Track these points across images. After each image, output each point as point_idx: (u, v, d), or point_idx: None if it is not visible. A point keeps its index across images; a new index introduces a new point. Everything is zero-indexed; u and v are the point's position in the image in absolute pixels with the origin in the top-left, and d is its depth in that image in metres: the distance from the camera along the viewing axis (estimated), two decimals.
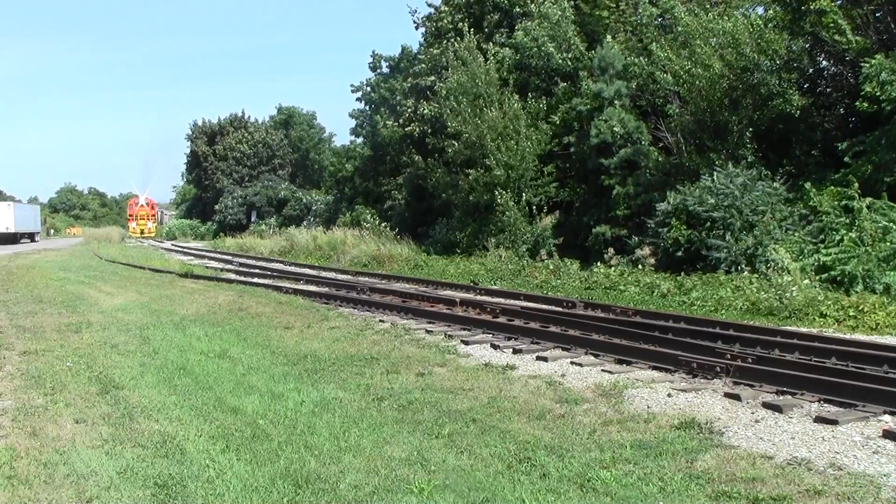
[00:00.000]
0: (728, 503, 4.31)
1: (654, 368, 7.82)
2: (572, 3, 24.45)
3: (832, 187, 15.11)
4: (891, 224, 13.68)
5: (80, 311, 13.03)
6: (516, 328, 10.11)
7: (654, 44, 20.33)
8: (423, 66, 30.73)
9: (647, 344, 8.67)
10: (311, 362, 8.22)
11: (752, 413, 6.13)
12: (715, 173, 16.69)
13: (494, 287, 16.60)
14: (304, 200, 52.82)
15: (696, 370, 7.48)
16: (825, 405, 6.29)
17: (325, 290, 16.33)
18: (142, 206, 76.00)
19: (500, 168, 22.75)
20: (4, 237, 50.33)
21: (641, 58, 20.90)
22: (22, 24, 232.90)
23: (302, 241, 33.87)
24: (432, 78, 28.74)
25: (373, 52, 52.42)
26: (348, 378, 7.48)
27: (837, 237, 13.69)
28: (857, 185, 14.37)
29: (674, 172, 19.34)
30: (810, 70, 18.54)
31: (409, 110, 30.60)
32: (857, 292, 12.31)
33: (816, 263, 13.42)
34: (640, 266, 17.40)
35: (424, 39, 31.93)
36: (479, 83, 23.90)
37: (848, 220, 14.02)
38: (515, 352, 8.91)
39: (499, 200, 22.33)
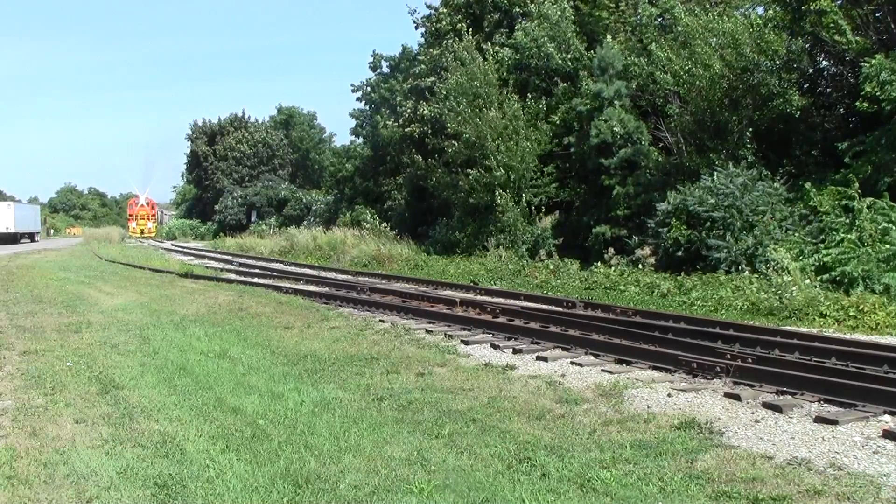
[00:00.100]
0: (728, 503, 4.31)
1: (654, 368, 7.82)
2: (572, 3, 24.45)
3: (832, 187, 15.11)
4: (891, 224, 13.68)
5: (80, 311, 13.03)
6: (516, 328, 10.11)
7: (653, 44, 20.34)
8: (423, 66, 30.74)
9: (647, 344, 8.67)
10: (311, 362, 8.22)
11: (752, 413, 6.13)
12: (715, 173, 16.70)
13: (494, 287, 16.60)
14: (304, 200, 52.83)
15: (696, 370, 7.48)
16: (825, 405, 6.29)
17: (325, 290, 16.33)
18: (142, 206, 75.97)
19: (499, 168, 22.75)
20: (4, 237, 50.33)
21: (641, 58, 20.91)
22: (22, 24, 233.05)
23: (302, 241, 33.88)
24: (432, 79, 28.75)
25: (373, 51, 52.46)
26: (348, 378, 7.48)
27: (838, 237, 13.69)
28: (857, 185, 14.37)
29: (674, 172, 19.35)
30: (810, 70, 18.54)
31: (409, 111, 30.60)
32: (856, 293, 12.31)
33: (816, 264, 13.42)
34: (640, 266, 17.41)
35: (424, 40, 31.95)
36: (479, 84, 23.91)
37: (848, 221, 14.02)
38: (515, 352, 8.91)
39: (499, 201, 22.33)
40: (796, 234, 14.78)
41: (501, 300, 13.90)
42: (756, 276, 13.83)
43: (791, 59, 17.90)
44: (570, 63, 23.69)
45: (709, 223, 15.99)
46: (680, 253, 16.46)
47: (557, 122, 23.48)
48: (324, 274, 21.76)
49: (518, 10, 27.02)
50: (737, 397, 6.57)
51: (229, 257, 32.95)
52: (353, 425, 5.81)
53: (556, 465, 4.89)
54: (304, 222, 45.90)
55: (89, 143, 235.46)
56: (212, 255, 35.74)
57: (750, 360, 7.59)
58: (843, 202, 14.46)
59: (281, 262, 28.48)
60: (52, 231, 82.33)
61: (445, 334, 10.23)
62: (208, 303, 13.76)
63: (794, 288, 12.01)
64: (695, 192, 16.65)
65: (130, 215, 76.72)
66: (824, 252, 13.51)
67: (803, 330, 10.18)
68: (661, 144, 20.72)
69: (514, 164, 22.74)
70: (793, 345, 8.41)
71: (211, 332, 10.41)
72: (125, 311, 13.03)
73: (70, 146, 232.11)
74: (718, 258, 15.28)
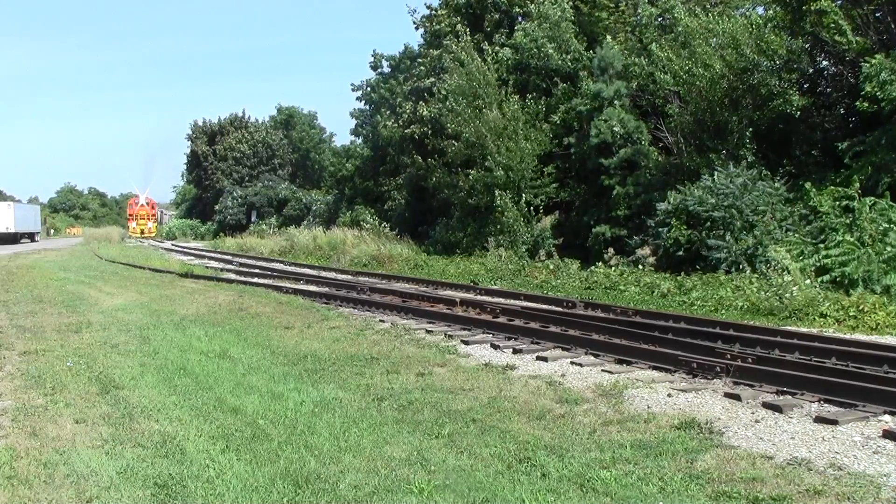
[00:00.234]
0: (728, 503, 4.31)
1: (654, 368, 7.82)
2: (571, 3, 24.44)
3: (832, 187, 15.11)
4: (891, 225, 13.67)
5: (80, 311, 13.03)
6: (516, 328, 10.11)
7: (653, 44, 20.34)
8: (423, 67, 30.75)
9: (647, 344, 8.67)
10: (311, 362, 8.22)
11: (752, 413, 6.13)
12: (715, 173, 16.71)
13: (494, 287, 16.60)
14: (304, 200, 52.82)
15: (696, 370, 7.48)
16: (825, 405, 6.29)
17: (325, 290, 16.33)
18: (142, 205, 75.92)
19: (499, 169, 22.75)
20: (4, 237, 50.34)
21: (641, 58, 20.91)
22: (22, 24, 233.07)
23: (302, 241, 33.87)
24: (431, 79, 28.75)
25: (374, 51, 52.51)
26: (348, 378, 7.48)
27: (838, 238, 13.69)
28: (857, 185, 14.37)
29: (674, 172, 19.35)
30: (810, 70, 18.54)
31: (409, 112, 30.61)
32: (857, 293, 12.30)
33: (816, 265, 13.41)
34: (640, 266, 17.41)
35: (423, 40, 31.95)
36: (478, 84, 23.90)
37: (848, 221, 14.02)
38: (515, 352, 8.90)
39: (498, 201, 22.33)
40: (796, 235, 14.77)
41: (501, 300, 13.90)
42: (756, 276, 13.83)
43: (791, 59, 17.90)
44: (569, 63, 23.69)
45: (709, 223, 16.00)
46: (680, 253, 16.47)
47: (557, 122, 23.48)
48: (324, 274, 21.76)
49: (518, 10, 27.02)
50: (737, 397, 6.57)
51: (229, 257, 32.95)
52: (353, 425, 5.81)
53: (556, 465, 4.89)
54: (304, 222, 45.89)
55: (89, 143, 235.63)
56: (212, 255, 35.74)
57: (750, 360, 7.59)
58: (844, 202, 14.46)
59: (281, 262, 28.47)
60: (52, 231, 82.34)
61: (445, 334, 10.23)
62: (208, 303, 13.76)
63: (794, 288, 12.01)
64: (695, 192, 16.65)
65: (130, 215, 76.66)
66: (824, 253, 13.51)
67: (803, 330, 10.18)
68: (661, 144, 20.73)
69: (514, 164, 22.74)
70: (793, 345, 8.41)
71: (211, 332, 10.41)
72: (125, 311, 13.03)
73: (70, 146, 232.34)
74: (718, 258, 15.28)
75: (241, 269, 24.47)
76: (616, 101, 20.87)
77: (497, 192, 22.48)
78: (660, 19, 22.09)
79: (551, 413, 6.15)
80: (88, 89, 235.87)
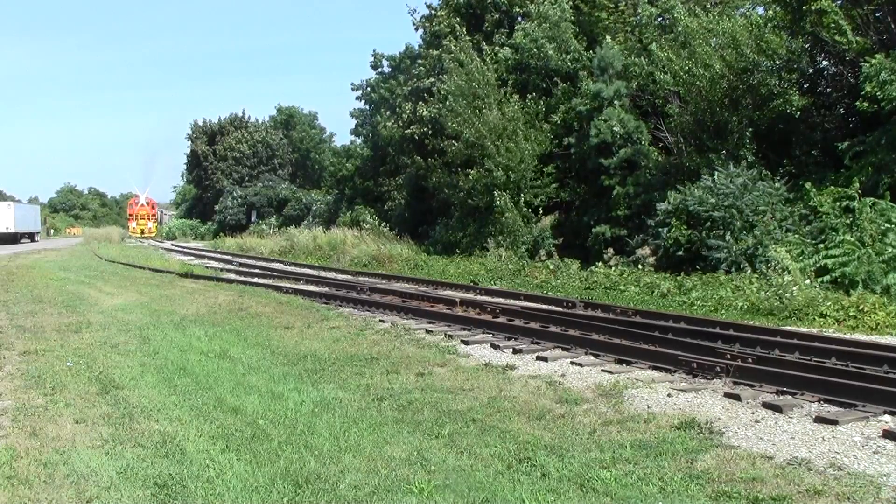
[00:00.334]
0: (728, 503, 4.31)
1: (654, 368, 7.81)
2: (571, 3, 24.43)
3: (832, 187, 15.11)
4: (891, 225, 13.67)
5: (80, 311, 13.03)
6: (516, 328, 10.11)
7: (653, 44, 20.34)
8: (423, 68, 30.75)
9: (647, 344, 8.67)
10: (311, 362, 8.22)
11: (752, 413, 6.13)
12: (715, 173, 16.71)
13: (494, 287, 16.60)
14: (304, 200, 52.82)
15: (696, 370, 7.47)
16: (825, 405, 6.29)
17: (325, 290, 16.33)
18: (142, 205, 75.90)
19: (499, 169, 22.75)
20: (4, 237, 50.34)
21: (641, 58, 20.91)
22: (22, 24, 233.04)
23: (302, 241, 33.87)
24: (431, 79, 28.74)
25: (374, 51, 52.52)
26: (348, 378, 7.48)
27: (838, 238, 13.68)
28: (857, 185, 14.36)
29: (674, 172, 19.35)
30: (810, 70, 18.54)
31: (409, 112, 30.61)
32: (857, 293, 12.30)
33: (817, 265, 13.41)
34: (640, 266, 17.41)
35: (423, 41, 31.94)
36: (477, 85, 23.89)
37: (848, 221, 14.01)
38: (515, 352, 8.90)
39: (498, 202, 22.33)
40: (796, 235, 14.77)
41: (501, 300, 13.90)
42: (756, 276, 13.83)
43: (791, 59, 17.90)
44: (569, 63, 23.69)
45: (709, 223, 16.00)
46: (680, 253, 16.47)
47: (557, 122, 23.49)
48: (324, 274, 21.76)
49: (518, 10, 27.02)
50: (737, 397, 6.57)
51: (229, 257, 32.94)
52: (353, 425, 5.81)
53: (556, 465, 4.89)
54: (304, 222, 45.89)
55: (89, 143, 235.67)
56: (212, 255, 35.74)
57: (750, 360, 7.59)
58: (844, 202, 14.46)
59: (281, 262, 28.47)
60: (52, 231, 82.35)
61: (445, 334, 10.23)
62: (208, 303, 13.76)
63: (794, 288, 12.01)
64: (695, 192, 16.65)
65: (130, 215, 76.65)
66: (825, 253, 13.51)
67: (803, 330, 10.18)
68: (661, 144, 20.73)
69: (514, 164, 22.73)
70: (793, 345, 8.40)
71: (211, 332, 10.41)
72: (125, 311, 13.03)
73: (70, 146, 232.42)
74: (718, 258, 15.28)
75: (241, 269, 24.47)
76: (616, 101, 20.87)
77: (497, 193, 22.48)
78: (660, 19, 22.09)
79: (551, 413, 6.15)
80: (88, 89, 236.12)
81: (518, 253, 21.36)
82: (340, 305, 13.69)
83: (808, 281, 12.56)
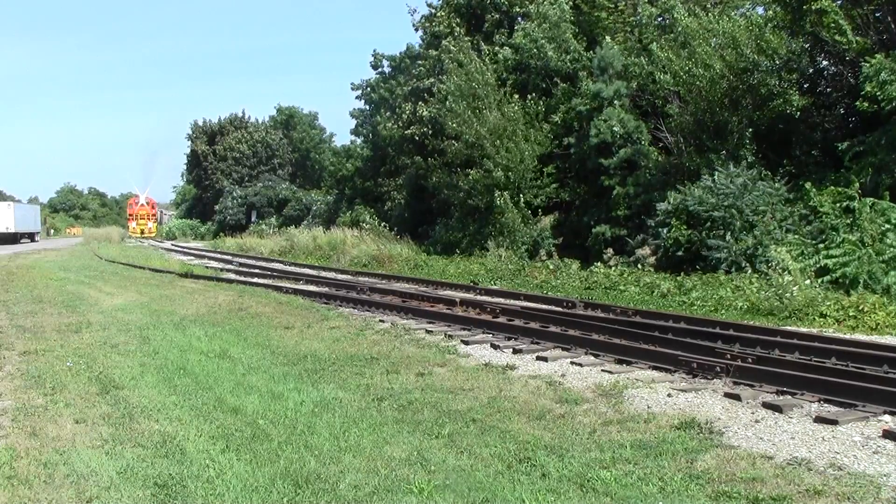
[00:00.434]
0: (728, 503, 4.31)
1: (654, 368, 7.81)
2: (571, 3, 24.43)
3: (832, 187, 15.11)
4: (891, 225, 13.66)
5: (80, 311, 13.03)
6: (516, 328, 10.11)
7: (653, 44, 20.34)
8: (423, 68, 30.74)
9: (647, 344, 8.67)
10: (311, 362, 8.22)
11: (752, 413, 6.13)
12: (715, 173, 16.71)
13: (494, 287, 16.60)
14: (304, 200, 52.83)
15: (696, 370, 7.47)
16: (825, 405, 6.29)
17: (325, 290, 16.33)
18: (142, 205, 75.88)
19: (498, 170, 22.75)
20: (4, 237, 50.35)
21: (641, 58, 20.91)
22: (22, 24, 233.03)
23: (302, 241, 33.87)
24: (431, 80, 28.74)
25: (374, 51, 52.45)
26: (348, 378, 7.48)
27: (838, 238, 13.68)
28: (857, 185, 14.36)
29: (674, 172, 19.35)
30: (810, 70, 18.54)
31: (409, 113, 30.61)
32: (857, 293, 12.30)
33: (817, 265, 13.41)
34: (640, 266, 17.42)
35: (423, 41, 31.94)
36: (477, 85, 23.89)
37: (849, 221, 14.01)
38: (515, 352, 8.90)
39: (498, 202, 22.33)
40: (796, 235, 14.77)
41: (501, 300, 13.90)
42: (756, 276, 13.83)
43: (791, 59, 17.90)
44: (569, 63, 23.68)
45: (709, 223, 16.00)
46: (680, 253, 16.47)
47: (557, 122, 23.48)
48: (324, 274, 21.76)
49: (517, 10, 27.02)
50: (737, 397, 6.57)
51: (229, 257, 32.95)
52: (353, 425, 5.81)
53: (556, 465, 4.89)
54: (304, 222, 45.89)
55: (89, 143, 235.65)
56: (212, 255, 35.74)
57: (750, 360, 7.59)
58: (844, 203, 14.46)
59: (281, 262, 28.48)
60: (52, 231, 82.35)
61: (445, 334, 10.23)
62: (208, 303, 13.76)
63: (794, 288, 12.01)
64: (695, 192, 16.65)
65: (130, 215, 76.64)
66: (825, 253, 13.50)
67: (803, 330, 10.18)
68: (661, 144, 20.72)
69: (514, 165, 22.73)
70: (793, 345, 8.40)
71: (211, 332, 10.41)
72: (125, 311, 13.03)
73: (70, 146, 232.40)
74: (718, 258, 15.28)
75: (240, 269, 24.48)
76: (616, 101, 20.87)
77: (497, 193, 22.49)
78: (659, 19, 22.09)
79: (551, 413, 6.15)
80: (88, 89, 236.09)
81: (518, 253, 21.36)
82: (340, 305, 13.69)
83: (808, 281, 12.56)
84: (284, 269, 23.44)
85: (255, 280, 19.10)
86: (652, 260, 17.51)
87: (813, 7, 16.00)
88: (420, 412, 6.19)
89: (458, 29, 26.99)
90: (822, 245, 13.85)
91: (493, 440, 5.43)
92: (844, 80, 17.91)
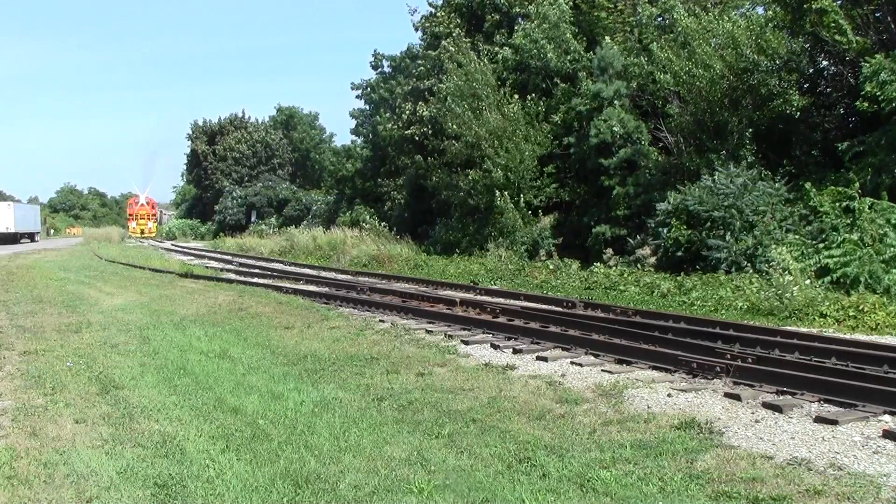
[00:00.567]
0: (728, 503, 4.31)
1: (654, 368, 7.81)
2: (571, 3, 24.43)
3: (832, 187, 15.11)
4: (891, 226, 13.66)
5: (80, 311, 13.03)
6: (516, 328, 10.11)
7: (653, 44, 20.34)
8: (423, 68, 30.74)
9: (647, 344, 8.67)
10: (311, 362, 8.22)
11: (752, 413, 6.13)
12: (715, 173, 16.71)
13: (494, 287, 16.60)
14: (304, 200, 52.83)
15: (696, 370, 7.47)
16: (825, 405, 6.29)
17: (325, 290, 16.33)
18: (142, 205, 75.83)
19: (497, 170, 22.75)
20: (4, 237, 50.35)
21: (641, 58, 20.91)
22: (22, 24, 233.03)
23: (302, 241, 33.88)
24: (431, 80, 28.74)
25: (374, 51, 52.43)
26: (348, 378, 7.48)
27: (839, 238, 13.68)
28: (857, 185, 14.36)
29: (674, 172, 19.35)
30: (810, 70, 18.54)
31: (409, 112, 30.61)
32: (857, 293, 12.30)
33: (818, 265, 13.40)
34: (640, 266, 17.42)
35: (423, 41, 31.94)
36: (477, 85, 23.88)
37: (849, 221, 14.01)
38: (515, 352, 8.90)
39: (498, 202, 22.32)
40: (796, 235, 14.77)
41: (501, 300, 13.90)
42: (756, 276, 13.83)
43: (791, 59, 17.90)
44: (569, 63, 23.68)
45: (709, 223, 15.99)
46: (680, 253, 16.47)
47: (557, 122, 23.48)
48: (324, 274, 21.76)
49: (517, 10, 27.02)
50: (737, 397, 6.57)
51: (229, 257, 32.95)
52: (353, 425, 5.81)
53: (556, 465, 4.89)
54: (304, 222, 45.90)
55: (89, 143, 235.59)
56: (212, 255, 35.74)
57: (750, 360, 7.59)
58: (844, 203, 14.45)
59: (281, 262, 28.48)
60: (52, 231, 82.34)
61: (445, 334, 10.23)
62: (208, 303, 13.76)
63: (794, 288, 12.01)
64: (695, 192, 16.65)
65: (130, 215, 76.61)
66: (826, 253, 13.50)
67: (803, 330, 10.18)
68: (660, 144, 20.72)
69: (514, 165, 22.73)
70: (793, 345, 8.40)
71: (211, 332, 10.41)
72: (125, 311, 13.03)
73: (70, 146, 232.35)
74: (718, 258, 15.28)
75: (240, 269, 24.48)
76: (616, 101, 20.87)
77: (497, 193, 22.49)
78: (659, 19, 22.09)
79: (551, 413, 6.15)
80: (88, 89, 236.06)
81: (518, 253, 21.36)
82: (340, 305, 13.69)
83: (808, 281, 12.56)
84: (284, 269, 23.45)
85: (255, 280, 19.10)
86: (652, 260, 17.51)
87: (813, 7, 16.00)
88: (420, 412, 6.19)
89: (457, 30, 26.96)
90: (822, 245, 13.84)
91: (493, 440, 5.43)
92: (844, 80, 17.91)
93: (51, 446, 5.43)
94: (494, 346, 9.29)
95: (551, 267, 18.81)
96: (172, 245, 51.34)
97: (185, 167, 78.13)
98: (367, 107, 45.66)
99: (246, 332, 10.38)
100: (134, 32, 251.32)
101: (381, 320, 11.66)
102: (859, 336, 9.91)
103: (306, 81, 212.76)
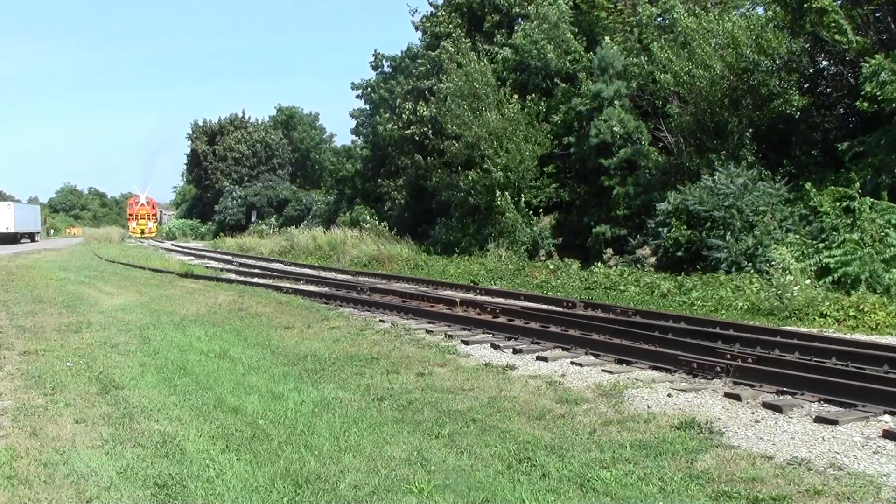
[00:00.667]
0: (728, 503, 4.31)
1: (654, 368, 7.81)
2: (570, 3, 24.43)
3: (832, 187, 15.11)
4: (891, 226, 13.65)
5: (80, 311, 13.03)
6: (516, 328, 10.11)
7: (653, 44, 20.34)
8: (423, 68, 30.75)
9: (647, 344, 8.67)
10: (311, 362, 8.22)
11: (752, 413, 6.13)
12: (715, 173, 16.71)
13: (494, 287, 16.60)
14: (304, 201, 52.83)
15: (696, 370, 7.47)
16: (825, 405, 6.29)
17: (325, 290, 16.33)
18: (142, 205, 75.83)
19: (497, 171, 22.75)
20: (4, 237, 50.35)
21: (641, 58, 20.91)
22: (22, 24, 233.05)
23: (302, 241, 33.88)
24: (431, 80, 28.74)
25: (375, 51, 52.43)
26: (348, 378, 7.48)
27: (839, 238, 13.67)
28: (857, 185, 14.36)
29: (674, 172, 19.35)
30: (810, 70, 18.54)
31: (409, 112, 30.61)
32: (858, 293, 12.29)
33: (818, 265, 13.40)
34: (640, 266, 17.42)
35: (423, 41, 31.94)
36: (477, 85, 23.88)
37: (849, 221, 14.01)
38: (515, 352, 8.90)
39: (498, 202, 22.32)
40: (797, 235, 14.77)
41: (501, 300, 13.90)
42: (756, 276, 13.83)
43: (791, 59, 17.90)
44: (569, 63, 23.68)
45: (709, 223, 15.99)
46: (680, 253, 16.47)
47: (557, 122, 23.48)
48: (324, 274, 21.77)
49: (517, 10, 27.03)
50: (737, 397, 6.57)
51: (229, 257, 32.95)
52: (353, 425, 5.81)
53: (556, 465, 4.89)
54: (304, 222, 45.89)
55: (89, 143, 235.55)
56: (212, 255, 35.74)
57: (750, 360, 7.59)
58: (844, 203, 14.45)
59: (281, 262, 28.48)
60: (52, 231, 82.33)
61: (445, 334, 10.23)
62: (208, 303, 13.76)
63: (794, 288, 12.00)
64: (695, 192, 16.65)
65: (130, 215, 76.60)
66: (826, 253, 13.49)
67: (803, 330, 10.17)
68: (661, 144, 20.72)
69: (514, 165, 22.73)
70: (793, 345, 8.40)
71: (211, 332, 10.41)
72: (125, 311, 13.03)
73: (70, 146, 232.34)
74: (719, 258, 15.28)
75: (241, 269, 24.48)
76: (616, 102, 20.87)
77: (497, 193, 22.49)
78: (659, 19, 22.09)
79: (551, 413, 6.15)
80: (88, 89, 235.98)
81: (518, 253, 21.36)
82: (340, 305, 13.69)
83: (808, 281, 12.55)
84: (284, 269, 23.45)
85: (256, 280, 19.10)
86: (652, 260, 17.51)
87: (813, 7, 16.00)
88: (420, 412, 6.19)
89: (458, 30, 26.96)
90: (822, 245, 13.84)
91: (493, 440, 5.43)
92: (844, 80, 17.91)
93: (51, 446, 5.43)
94: (494, 346, 9.29)
95: (551, 267, 18.81)
96: (172, 245, 51.34)
97: (185, 167, 78.20)
98: (367, 107, 45.63)
99: (246, 332, 10.38)
100: (134, 32, 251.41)
101: (381, 320, 11.66)
102: (859, 336, 9.91)
103: (306, 81, 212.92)
